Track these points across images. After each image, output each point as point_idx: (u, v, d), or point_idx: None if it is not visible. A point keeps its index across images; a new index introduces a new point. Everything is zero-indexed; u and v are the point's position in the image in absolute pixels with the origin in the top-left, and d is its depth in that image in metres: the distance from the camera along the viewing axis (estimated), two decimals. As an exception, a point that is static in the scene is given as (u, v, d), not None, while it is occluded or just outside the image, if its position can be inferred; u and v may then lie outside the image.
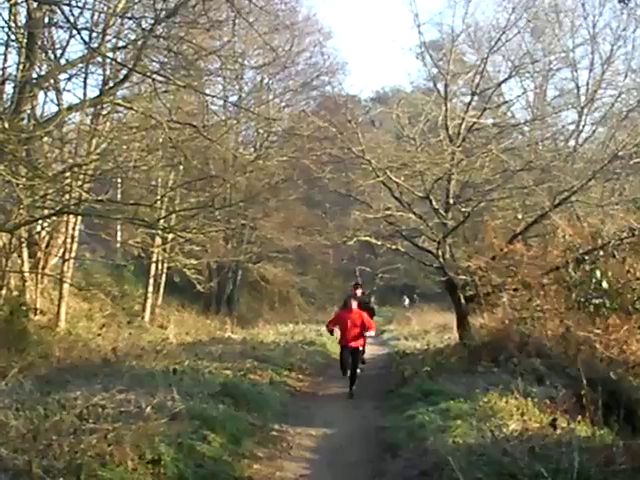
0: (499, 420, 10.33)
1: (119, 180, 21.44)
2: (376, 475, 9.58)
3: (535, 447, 8.29)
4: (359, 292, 21.50)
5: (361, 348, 18.46)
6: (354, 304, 17.73)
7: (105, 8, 15.63)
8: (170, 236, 22.37)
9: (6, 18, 15.53)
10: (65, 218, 22.38)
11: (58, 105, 17.85)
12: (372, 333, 18.58)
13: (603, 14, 30.76)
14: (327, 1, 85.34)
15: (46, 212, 16.01)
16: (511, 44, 23.98)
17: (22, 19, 15.83)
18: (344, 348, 17.62)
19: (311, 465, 9.59)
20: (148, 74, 14.69)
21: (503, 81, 24.14)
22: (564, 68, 29.29)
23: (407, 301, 56.93)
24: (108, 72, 17.89)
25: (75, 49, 75.37)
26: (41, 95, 18.89)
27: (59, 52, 17.01)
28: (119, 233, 32.39)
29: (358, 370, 17.93)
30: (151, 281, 32.64)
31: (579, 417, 9.96)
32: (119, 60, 15.83)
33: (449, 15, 78.01)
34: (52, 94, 19.24)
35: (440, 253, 21.18)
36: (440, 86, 22.52)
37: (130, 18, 14.72)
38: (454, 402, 12.44)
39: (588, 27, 29.27)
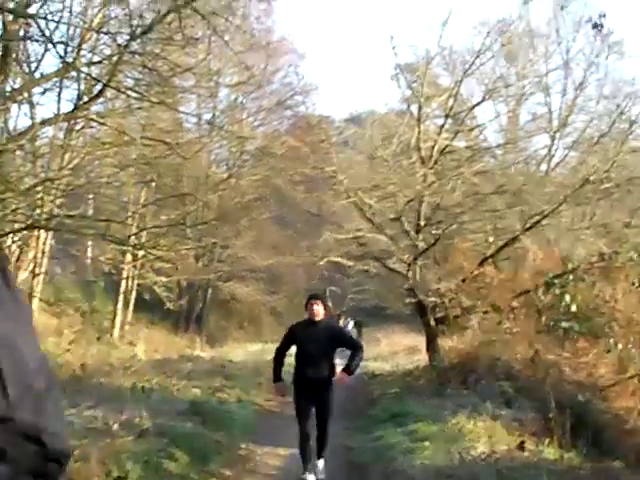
0: (467, 442, 10.35)
1: (91, 196, 21.32)
2: (344, 495, 9.56)
3: (503, 469, 8.32)
4: (320, 311, 10.59)
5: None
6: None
7: (81, 23, 15.62)
8: (141, 253, 22.21)
9: (-19, 31, 15.48)
10: (36, 233, 22.21)
11: (31, 119, 17.69)
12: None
13: (577, 40, 31.25)
14: (302, 22, 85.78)
15: (17, 226, 15.82)
16: (485, 68, 24.17)
17: (-3, 32, 15.76)
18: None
19: (278, 485, 9.52)
20: (122, 90, 14.65)
21: (476, 104, 24.22)
22: (537, 92, 29.73)
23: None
24: (82, 87, 17.79)
25: (50, 63, 75.14)
26: (14, 108, 18.77)
27: (34, 65, 16.86)
28: (90, 249, 32.20)
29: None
30: (121, 297, 32.40)
31: (547, 440, 10.01)
32: (94, 75, 15.77)
33: (425, 37, 79.02)
34: (26, 107, 19.09)
35: (410, 275, 21.20)
36: (414, 108, 22.59)
37: (106, 33, 14.67)
38: (422, 423, 12.45)
39: (562, 52, 29.77)
